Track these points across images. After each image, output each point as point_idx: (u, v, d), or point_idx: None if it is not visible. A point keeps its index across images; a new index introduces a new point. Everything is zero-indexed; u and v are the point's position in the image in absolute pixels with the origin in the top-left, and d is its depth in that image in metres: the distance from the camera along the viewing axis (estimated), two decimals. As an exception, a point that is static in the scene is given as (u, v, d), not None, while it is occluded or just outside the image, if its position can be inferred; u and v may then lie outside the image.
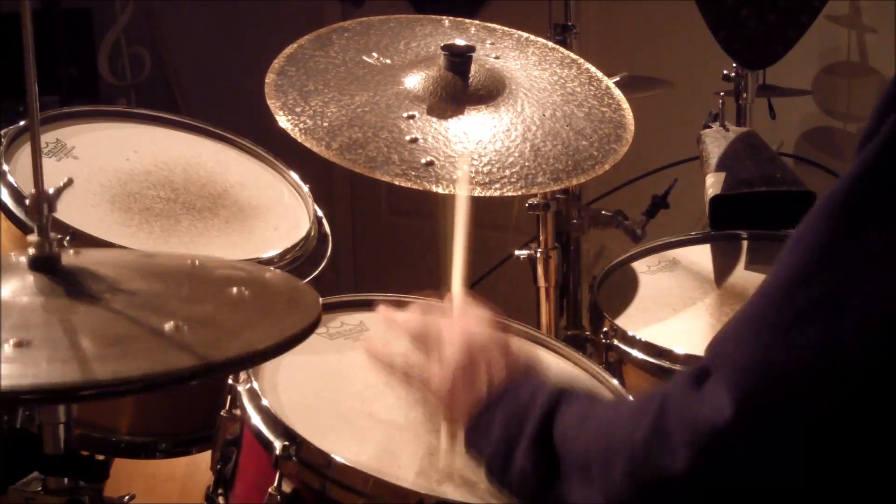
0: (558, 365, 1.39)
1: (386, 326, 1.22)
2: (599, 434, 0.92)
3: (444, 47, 1.53)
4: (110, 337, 0.90)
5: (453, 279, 1.27)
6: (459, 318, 1.17)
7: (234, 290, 1.04)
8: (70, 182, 1.04)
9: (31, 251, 0.99)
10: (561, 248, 1.93)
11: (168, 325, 0.92)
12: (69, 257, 1.04)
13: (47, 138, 1.54)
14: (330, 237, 1.64)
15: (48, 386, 0.82)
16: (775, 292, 0.80)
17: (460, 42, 1.53)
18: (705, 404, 0.80)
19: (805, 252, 0.78)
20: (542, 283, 1.89)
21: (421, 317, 1.17)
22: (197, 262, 1.14)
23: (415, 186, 1.38)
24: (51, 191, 1.01)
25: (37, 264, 0.99)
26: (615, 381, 1.36)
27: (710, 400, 0.79)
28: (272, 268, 1.45)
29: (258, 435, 1.11)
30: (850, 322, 0.74)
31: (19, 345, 0.87)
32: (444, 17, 1.70)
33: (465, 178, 1.40)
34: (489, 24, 1.72)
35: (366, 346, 1.19)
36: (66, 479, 1.14)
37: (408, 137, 1.43)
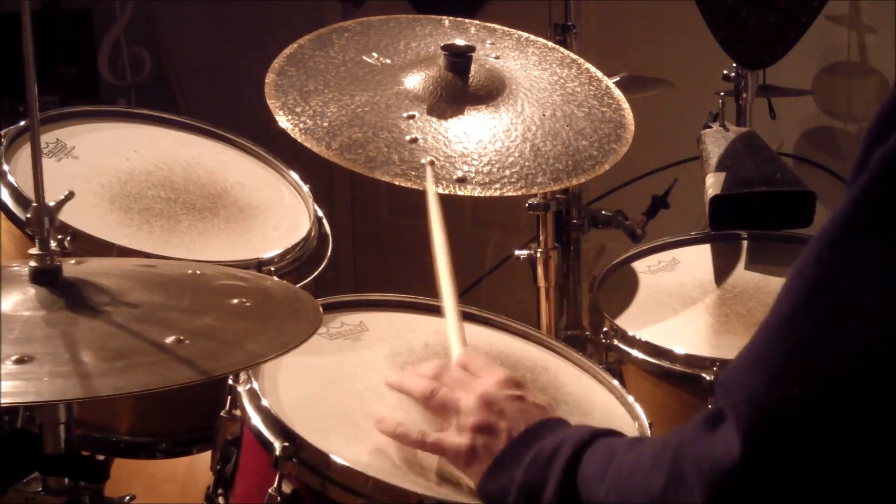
0: (557, 365, 1.39)
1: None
2: (620, 484, 0.92)
3: (444, 47, 1.53)
4: (111, 351, 0.90)
5: (451, 342, 1.27)
6: (471, 376, 1.16)
7: (235, 300, 1.04)
8: (71, 195, 1.04)
9: (33, 264, 0.99)
10: (561, 248, 1.93)
11: (169, 339, 0.92)
12: (70, 268, 1.04)
13: (47, 138, 1.54)
14: (330, 237, 1.64)
15: (50, 402, 0.82)
16: (774, 327, 0.80)
17: (460, 42, 1.53)
18: (718, 444, 0.80)
19: (800, 286, 0.79)
20: (542, 283, 1.89)
21: (430, 379, 1.17)
22: (198, 272, 1.14)
23: (415, 186, 1.38)
24: (51, 204, 1.01)
25: (38, 277, 0.99)
26: (615, 381, 1.36)
27: (721, 440, 0.80)
28: (272, 269, 1.45)
29: (258, 435, 1.11)
30: (843, 354, 0.75)
31: (21, 361, 0.87)
32: (444, 17, 1.70)
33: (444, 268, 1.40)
34: (489, 24, 1.72)
35: (375, 424, 1.15)
36: (66, 480, 1.14)
37: (408, 137, 1.43)
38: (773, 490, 0.77)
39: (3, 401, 0.82)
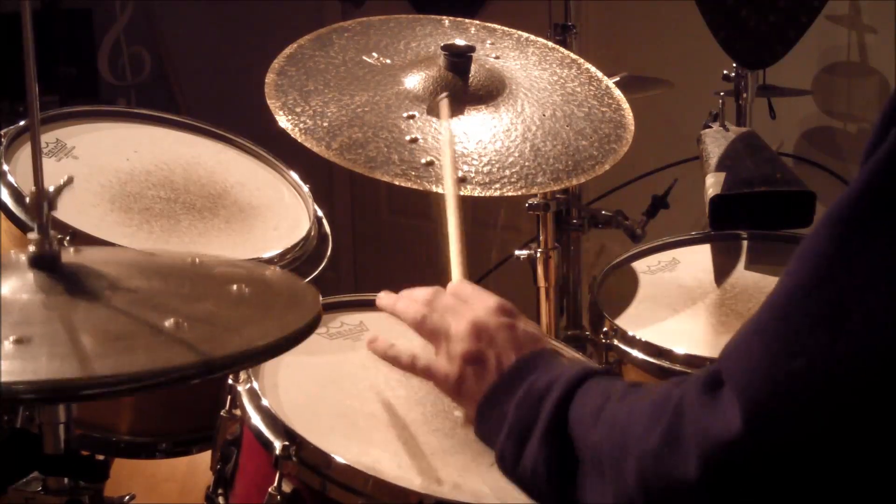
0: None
1: (387, 316, 1.21)
2: (614, 431, 0.91)
3: (444, 47, 1.53)
4: (111, 334, 0.90)
5: (452, 267, 1.27)
6: (463, 303, 1.16)
7: (235, 287, 1.04)
8: (70, 180, 1.04)
9: (32, 249, 0.99)
10: (561, 248, 1.92)
11: (168, 322, 0.92)
12: (69, 255, 1.04)
13: (47, 138, 1.54)
14: (330, 237, 1.64)
15: (48, 382, 0.82)
16: (782, 303, 0.80)
17: (460, 42, 1.53)
18: (718, 414, 0.80)
19: (810, 262, 0.78)
20: (542, 283, 1.89)
21: (422, 305, 1.16)
22: (197, 260, 1.14)
23: (415, 186, 1.38)
24: (51, 189, 1.01)
25: (37, 262, 0.99)
26: (615, 381, 1.36)
27: (722, 410, 0.80)
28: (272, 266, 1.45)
29: (258, 435, 1.11)
30: (853, 333, 0.74)
31: (19, 341, 0.87)
32: (444, 17, 1.70)
33: (451, 179, 1.40)
34: (489, 24, 1.72)
35: (368, 344, 1.18)
36: (66, 479, 1.14)
37: (408, 137, 1.43)
38: (771, 464, 0.77)
39: (3, 378, 0.82)
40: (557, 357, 1.08)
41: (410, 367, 1.11)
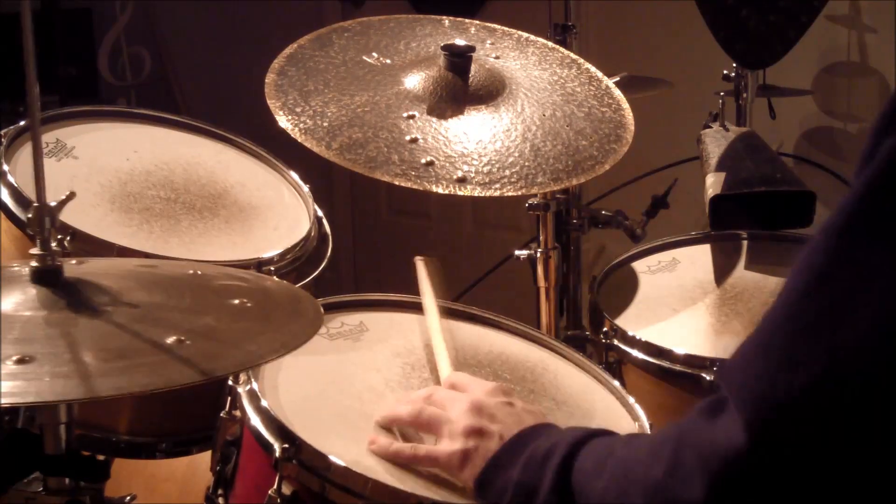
0: (557, 365, 1.39)
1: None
2: (618, 476, 0.92)
3: (444, 47, 1.53)
4: (112, 351, 0.90)
5: (439, 364, 1.27)
6: (460, 391, 1.17)
7: (236, 300, 1.04)
8: (72, 195, 1.04)
9: (33, 264, 0.99)
10: (561, 248, 1.92)
11: (170, 339, 0.92)
12: (71, 268, 1.04)
13: (47, 138, 1.54)
14: (330, 237, 1.64)
15: (50, 403, 0.83)
16: (779, 316, 0.80)
17: (460, 42, 1.53)
18: (719, 432, 0.80)
19: (805, 275, 0.79)
20: (542, 283, 1.89)
21: (419, 400, 1.16)
22: (198, 272, 1.14)
23: (415, 186, 1.38)
24: (53, 203, 1.01)
25: (39, 277, 0.99)
26: (615, 382, 1.36)
27: (723, 428, 0.80)
28: (272, 268, 1.45)
29: (258, 436, 1.11)
30: (849, 341, 0.75)
31: (21, 361, 0.87)
32: (444, 17, 1.70)
33: (423, 275, 1.43)
34: (489, 24, 1.72)
35: (369, 446, 1.13)
36: (66, 480, 1.14)
37: (408, 137, 1.43)
38: (776, 477, 0.77)
39: (4, 401, 0.82)
40: (558, 427, 1.09)
41: (413, 457, 1.10)
